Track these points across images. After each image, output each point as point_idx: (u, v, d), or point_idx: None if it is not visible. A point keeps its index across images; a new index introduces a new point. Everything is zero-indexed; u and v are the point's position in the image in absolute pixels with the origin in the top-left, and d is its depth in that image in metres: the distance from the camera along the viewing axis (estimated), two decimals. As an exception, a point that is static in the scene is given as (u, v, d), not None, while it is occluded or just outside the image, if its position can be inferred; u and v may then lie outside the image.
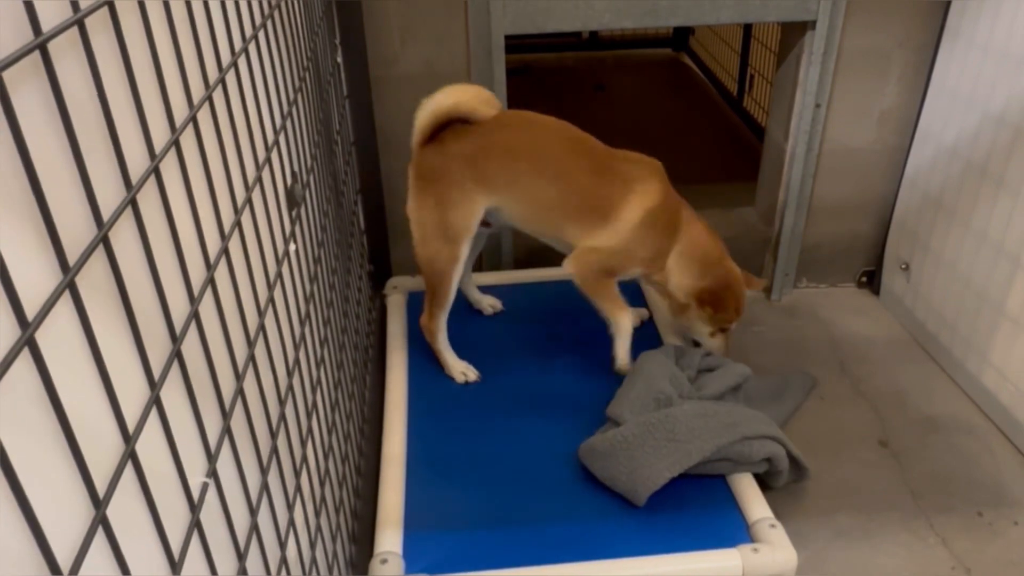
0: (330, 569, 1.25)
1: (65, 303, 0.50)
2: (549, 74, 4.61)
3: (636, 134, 3.83)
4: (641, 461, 1.48)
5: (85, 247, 0.53)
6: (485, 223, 1.86)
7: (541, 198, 1.79)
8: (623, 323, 1.85)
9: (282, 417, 1.01)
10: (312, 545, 1.12)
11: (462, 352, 1.93)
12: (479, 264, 2.47)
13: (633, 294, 2.05)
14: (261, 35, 1.07)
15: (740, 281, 1.88)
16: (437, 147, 1.78)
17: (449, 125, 1.77)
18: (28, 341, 0.45)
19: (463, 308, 2.14)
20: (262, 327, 0.95)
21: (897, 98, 2.40)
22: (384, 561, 1.36)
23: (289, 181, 1.18)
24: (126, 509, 0.56)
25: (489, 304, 2.15)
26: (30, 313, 0.46)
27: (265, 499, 0.89)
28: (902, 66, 2.36)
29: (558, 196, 1.78)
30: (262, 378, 0.92)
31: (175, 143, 0.70)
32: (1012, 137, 1.96)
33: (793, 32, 2.38)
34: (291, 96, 1.26)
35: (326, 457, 1.30)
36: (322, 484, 1.25)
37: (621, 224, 1.76)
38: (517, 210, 1.81)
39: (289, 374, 1.08)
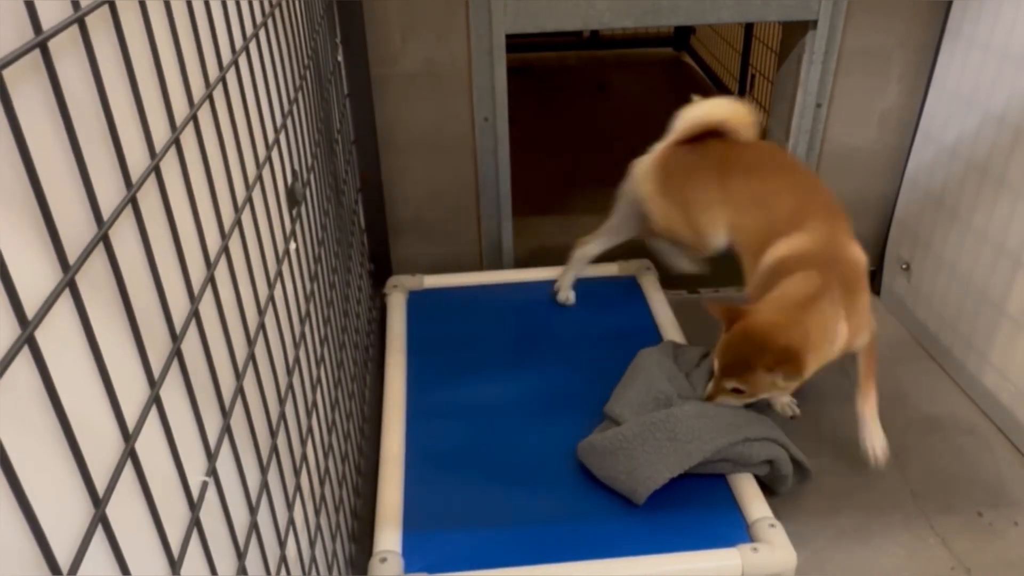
0: (329, 568, 1.25)
1: (65, 302, 0.50)
2: (550, 73, 4.61)
3: (637, 133, 3.83)
4: (641, 461, 1.48)
5: (85, 246, 0.53)
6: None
7: (750, 220, 1.77)
8: None
9: (282, 416, 1.01)
10: (312, 544, 1.12)
11: (462, 350, 1.93)
12: (478, 263, 2.47)
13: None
14: (262, 33, 1.07)
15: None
16: (694, 151, 1.84)
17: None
18: (28, 340, 0.45)
19: (463, 307, 2.14)
20: (262, 326, 0.95)
21: (898, 98, 2.40)
22: (383, 560, 1.36)
23: (290, 180, 1.18)
24: (126, 508, 0.56)
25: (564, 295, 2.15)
26: (30, 312, 0.46)
27: (265, 498, 0.89)
28: (903, 66, 2.36)
29: (756, 224, 1.75)
30: (262, 377, 0.92)
31: (175, 142, 0.70)
32: (1013, 137, 1.96)
33: (794, 32, 2.38)
34: (292, 95, 1.26)
35: (326, 456, 1.30)
36: (322, 483, 1.25)
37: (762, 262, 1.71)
38: (737, 226, 1.80)
39: (289, 373, 1.07)
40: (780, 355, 1.48)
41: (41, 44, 0.49)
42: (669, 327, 2.03)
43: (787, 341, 1.48)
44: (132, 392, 0.59)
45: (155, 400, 0.62)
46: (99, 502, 0.52)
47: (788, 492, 1.69)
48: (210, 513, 0.72)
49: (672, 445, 1.49)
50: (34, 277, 0.47)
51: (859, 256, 1.65)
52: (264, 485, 0.90)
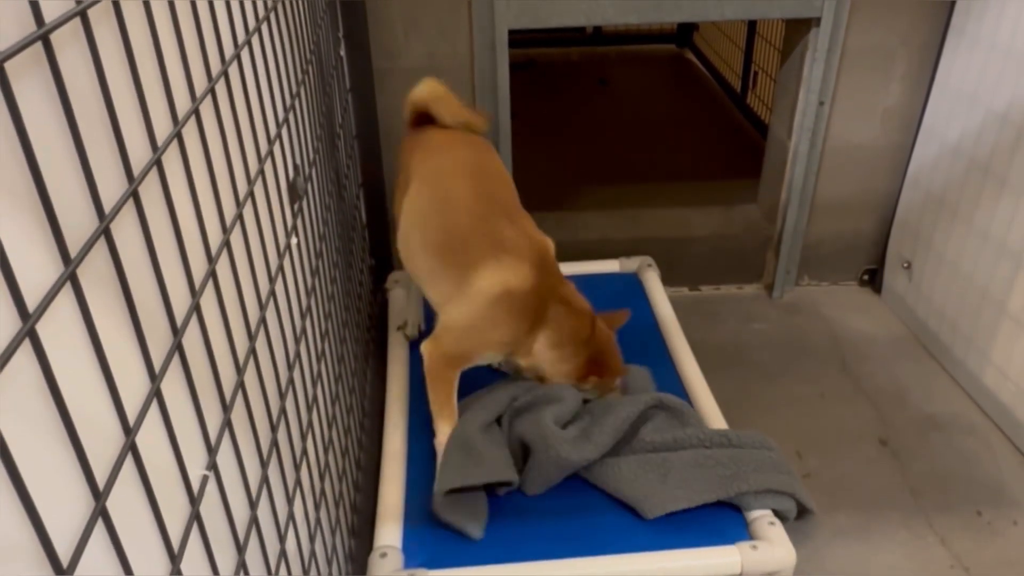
0: (329, 563, 1.25)
1: (66, 295, 0.50)
2: (553, 69, 4.60)
3: (639, 130, 3.83)
4: (629, 493, 1.46)
5: (87, 239, 0.53)
6: None
7: (425, 226, 1.61)
8: (441, 438, 1.51)
9: (282, 410, 1.01)
10: (311, 538, 1.12)
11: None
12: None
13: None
14: (264, 27, 1.07)
15: (611, 338, 1.65)
16: (411, 135, 1.77)
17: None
18: (29, 333, 0.45)
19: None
20: (263, 320, 0.95)
21: (901, 96, 2.40)
22: (383, 555, 1.36)
23: (291, 174, 1.18)
24: (126, 501, 0.56)
25: None
26: (31, 305, 0.46)
27: (265, 492, 0.90)
28: (906, 64, 2.35)
29: (436, 228, 1.59)
30: (263, 371, 0.92)
31: (177, 135, 0.70)
32: (1015, 136, 1.95)
33: (797, 29, 2.38)
34: (294, 89, 1.26)
35: (326, 451, 1.30)
36: (322, 478, 1.25)
37: (473, 294, 1.49)
38: (412, 228, 1.64)
39: (290, 367, 1.08)
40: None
41: (43, 37, 0.49)
42: (670, 324, 2.03)
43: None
44: (133, 386, 0.59)
45: (156, 394, 0.62)
46: (99, 495, 0.52)
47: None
48: (210, 507, 0.72)
49: (661, 487, 1.44)
50: (35, 270, 0.47)
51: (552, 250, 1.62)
52: (264, 479, 0.90)
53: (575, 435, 1.50)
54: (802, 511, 1.50)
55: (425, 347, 1.54)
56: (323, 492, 1.24)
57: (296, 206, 1.19)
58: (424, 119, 1.77)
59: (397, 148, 2.10)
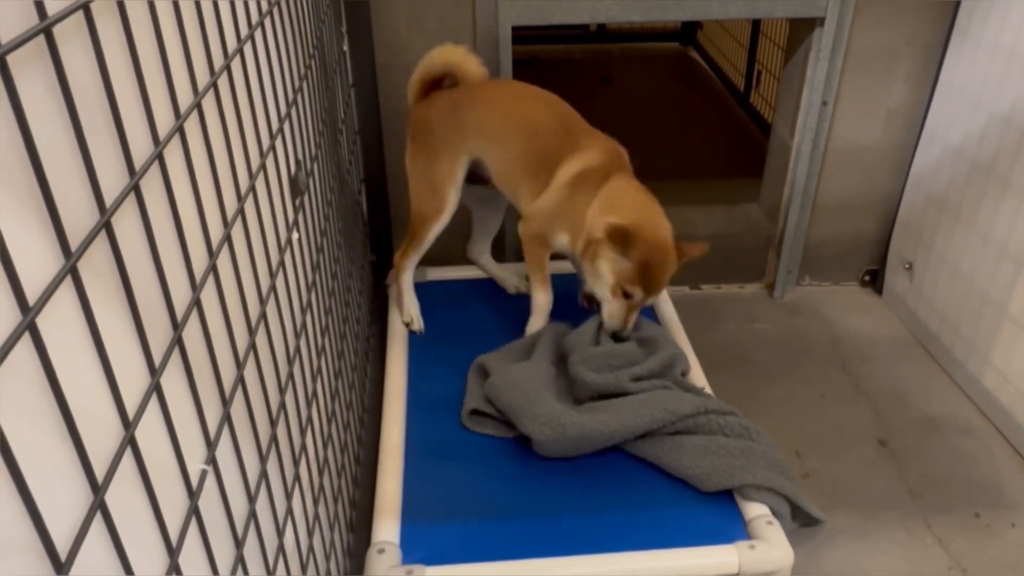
0: (327, 558, 1.25)
1: (67, 289, 0.50)
2: (556, 66, 4.60)
3: (642, 128, 3.83)
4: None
5: (87, 233, 0.53)
6: (479, 180, 1.91)
7: (509, 150, 1.81)
8: (540, 302, 1.84)
9: (282, 405, 1.01)
10: (310, 534, 1.13)
11: (460, 343, 1.93)
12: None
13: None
14: (267, 22, 1.07)
15: (663, 243, 1.66)
16: (427, 102, 1.89)
17: (441, 85, 1.90)
18: (29, 326, 0.45)
19: (465, 299, 2.14)
20: (263, 315, 0.95)
21: (904, 97, 2.39)
22: (381, 551, 1.36)
23: (293, 169, 1.18)
24: (125, 495, 0.56)
25: (514, 285, 2.15)
26: (31, 298, 0.45)
27: (264, 487, 0.90)
28: (910, 65, 2.35)
29: (521, 150, 1.79)
30: (263, 366, 0.92)
31: (179, 129, 0.70)
32: (1019, 138, 1.95)
33: (801, 28, 2.37)
34: (296, 84, 1.26)
35: (325, 446, 1.30)
36: (321, 473, 1.25)
37: (555, 184, 1.74)
38: (490, 161, 1.84)
39: (290, 362, 1.08)
40: (681, 248, 1.71)
41: (46, 30, 0.49)
42: (671, 321, 2.03)
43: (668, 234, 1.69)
44: (132, 380, 0.59)
45: (155, 388, 0.62)
46: (98, 489, 0.52)
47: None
48: (209, 502, 0.72)
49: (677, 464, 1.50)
50: (36, 263, 0.47)
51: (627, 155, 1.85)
52: (263, 474, 0.90)
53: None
54: (809, 520, 1.50)
55: (520, 228, 1.83)
56: (322, 487, 1.24)
57: (298, 201, 1.19)
58: (432, 87, 1.91)
59: (400, 139, 2.11)
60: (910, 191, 2.43)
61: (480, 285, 2.22)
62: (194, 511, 0.68)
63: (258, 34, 1.01)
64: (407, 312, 1.99)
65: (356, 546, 1.49)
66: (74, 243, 0.51)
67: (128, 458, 0.57)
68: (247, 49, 0.95)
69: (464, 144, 1.84)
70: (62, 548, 0.47)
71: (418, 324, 1.97)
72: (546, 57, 4.63)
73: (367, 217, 2.35)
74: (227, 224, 0.83)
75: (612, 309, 1.71)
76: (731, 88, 4.09)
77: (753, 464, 1.47)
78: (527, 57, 4.45)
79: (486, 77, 1.91)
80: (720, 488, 1.46)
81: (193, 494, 0.69)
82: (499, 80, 1.98)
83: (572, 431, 1.48)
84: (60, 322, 0.49)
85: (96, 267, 0.55)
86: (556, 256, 1.86)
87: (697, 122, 3.89)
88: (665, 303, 2.09)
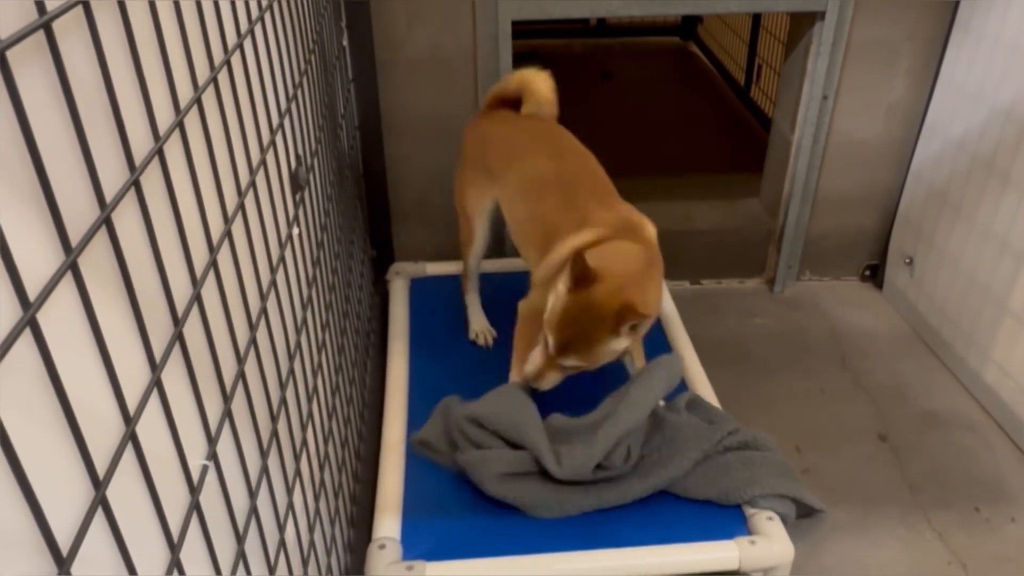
0: (328, 553, 1.25)
1: (67, 284, 0.50)
2: (556, 60, 4.57)
3: (642, 123, 3.82)
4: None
5: (88, 228, 0.53)
6: None
7: (517, 211, 1.71)
8: (512, 378, 1.65)
9: (283, 401, 1.01)
10: (311, 529, 1.13)
11: (461, 338, 1.93)
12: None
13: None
14: (267, 17, 1.07)
15: (597, 304, 1.44)
16: (477, 122, 1.85)
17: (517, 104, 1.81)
18: (30, 322, 0.45)
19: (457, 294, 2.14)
20: (264, 310, 0.95)
21: (905, 91, 2.39)
22: (382, 547, 1.36)
23: (293, 164, 1.18)
24: (126, 490, 0.56)
25: (475, 331, 1.97)
26: (32, 294, 0.45)
27: (265, 482, 0.90)
28: (911, 59, 2.34)
29: (527, 214, 1.68)
30: (263, 362, 0.93)
31: (179, 125, 0.70)
32: (1019, 133, 1.95)
33: (802, 23, 2.37)
34: (296, 79, 1.26)
35: (326, 441, 1.30)
36: (321, 468, 1.25)
37: (549, 261, 1.56)
38: (504, 213, 1.77)
39: (290, 358, 1.08)
40: (620, 314, 1.39)
41: (45, 25, 0.48)
42: (671, 318, 2.03)
43: (622, 300, 1.40)
44: (133, 375, 0.59)
45: (156, 384, 0.62)
46: (99, 484, 0.52)
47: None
48: (210, 497, 0.72)
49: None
50: (36, 259, 0.47)
51: (651, 230, 1.62)
52: (264, 470, 0.90)
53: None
54: (809, 511, 1.50)
55: (520, 304, 1.70)
56: (323, 482, 1.25)
57: (298, 196, 1.19)
58: (504, 104, 1.84)
59: (399, 134, 2.10)
60: (911, 186, 2.43)
61: (480, 281, 2.22)
62: (195, 506, 0.68)
63: (258, 29, 1.01)
64: (472, 328, 1.94)
65: (357, 541, 1.50)
66: (74, 239, 0.51)
67: (129, 453, 0.57)
68: (247, 44, 0.95)
69: (492, 185, 1.77)
70: (64, 543, 0.47)
71: (484, 339, 1.92)
72: (546, 52, 4.61)
73: (367, 213, 2.35)
74: (227, 220, 0.83)
75: (535, 353, 1.53)
76: (731, 82, 4.08)
77: (757, 475, 1.46)
78: (527, 52, 4.44)
79: (553, 106, 1.80)
80: (731, 504, 1.45)
81: (194, 489, 0.69)
82: (527, 124, 1.78)
83: (570, 509, 1.45)
84: (61, 318, 0.49)
85: (96, 263, 0.55)
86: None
87: (697, 117, 3.88)
88: (665, 298, 2.09)
